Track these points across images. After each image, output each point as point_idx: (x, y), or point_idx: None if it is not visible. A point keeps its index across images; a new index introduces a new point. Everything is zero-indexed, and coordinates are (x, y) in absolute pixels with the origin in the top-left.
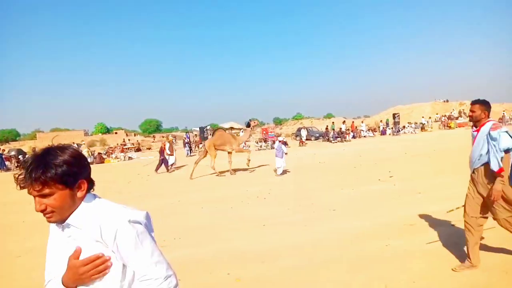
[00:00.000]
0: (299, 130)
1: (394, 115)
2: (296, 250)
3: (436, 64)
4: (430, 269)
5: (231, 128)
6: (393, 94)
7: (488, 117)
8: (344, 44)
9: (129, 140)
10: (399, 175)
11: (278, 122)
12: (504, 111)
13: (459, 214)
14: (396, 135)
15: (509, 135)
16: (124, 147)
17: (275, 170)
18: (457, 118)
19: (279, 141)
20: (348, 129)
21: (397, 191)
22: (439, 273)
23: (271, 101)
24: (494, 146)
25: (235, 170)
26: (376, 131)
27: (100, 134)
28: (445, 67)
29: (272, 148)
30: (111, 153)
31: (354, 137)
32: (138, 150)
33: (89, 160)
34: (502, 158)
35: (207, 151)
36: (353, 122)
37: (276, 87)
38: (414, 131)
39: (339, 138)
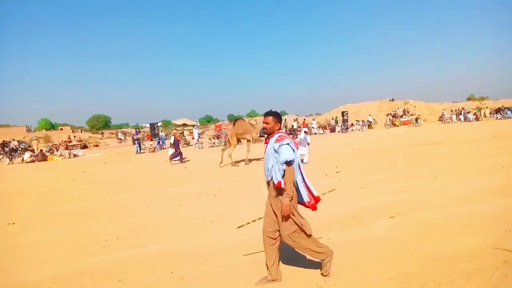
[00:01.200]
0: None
1: (343, 113)
2: (241, 246)
3: (383, 64)
4: (369, 260)
5: (184, 124)
6: (343, 93)
7: (280, 129)
8: (296, 43)
9: (74, 136)
10: (345, 170)
11: (233, 119)
12: (444, 110)
13: (401, 205)
14: (345, 132)
15: (291, 147)
16: (69, 144)
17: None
18: (401, 117)
19: (304, 132)
20: (300, 126)
21: (342, 185)
22: (376, 264)
23: (226, 98)
24: (276, 158)
25: (236, 163)
26: (326, 129)
27: (44, 130)
28: (391, 68)
29: (226, 145)
30: (55, 150)
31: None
32: (85, 147)
33: (28, 156)
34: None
35: (230, 140)
36: (304, 119)
37: (231, 84)
38: (361, 128)
39: (291, 135)
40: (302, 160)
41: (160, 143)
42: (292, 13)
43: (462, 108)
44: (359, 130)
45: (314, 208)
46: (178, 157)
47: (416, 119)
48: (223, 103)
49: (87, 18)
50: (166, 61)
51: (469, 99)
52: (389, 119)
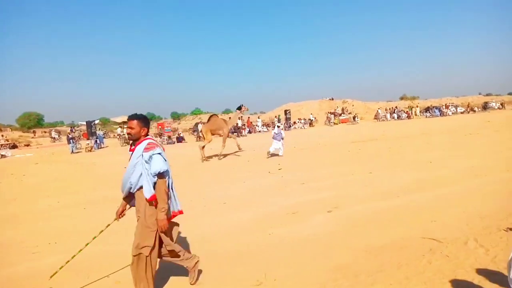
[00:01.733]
0: (196, 125)
1: (285, 111)
2: (182, 246)
3: (323, 65)
4: (308, 253)
5: (124, 122)
6: (286, 92)
7: (147, 135)
8: (242, 43)
9: (2, 136)
10: (287, 167)
11: (176, 117)
12: (379, 108)
13: (338, 200)
14: (287, 130)
15: (163, 157)
16: None
17: (268, 153)
18: (340, 115)
19: (278, 127)
20: (244, 124)
21: (283, 182)
22: (314, 257)
23: (169, 96)
24: (147, 169)
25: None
26: (270, 127)
27: None
28: (331, 68)
29: (169, 143)
30: None
31: (250, 132)
32: (14, 147)
33: None
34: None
35: (204, 136)
36: (249, 117)
37: (175, 81)
38: (303, 126)
39: (235, 133)
40: (278, 154)
41: (98, 142)
42: (237, 11)
43: (396, 107)
44: (301, 128)
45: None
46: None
47: (354, 118)
48: (166, 100)
49: (11, 7)
50: (104, 55)
51: (402, 98)
52: (328, 117)
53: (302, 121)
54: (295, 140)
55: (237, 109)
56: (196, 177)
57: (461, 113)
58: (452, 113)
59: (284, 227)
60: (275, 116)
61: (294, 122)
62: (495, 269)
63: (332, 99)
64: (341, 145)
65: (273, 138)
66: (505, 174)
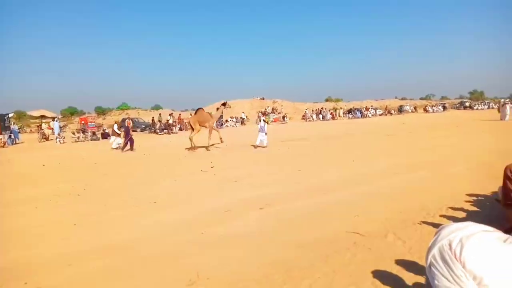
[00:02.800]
0: (123, 121)
1: (218, 109)
2: (109, 249)
3: (255, 64)
4: (241, 250)
5: (42, 116)
6: (219, 89)
7: None
8: (173, 37)
9: None
10: (220, 165)
11: (101, 111)
12: (306, 109)
13: (270, 197)
14: (220, 128)
15: None
16: None
17: (254, 146)
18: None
19: (264, 120)
20: (175, 121)
21: (216, 180)
22: (247, 254)
23: (93, 90)
24: None
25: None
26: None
27: None
28: (262, 68)
29: (93, 139)
30: None
31: (181, 129)
32: None
33: None
34: None
35: (193, 127)
36: (180, 114)
37: (100, 75)
38: (235, 124)
39: (166, 130)
40: (263, 146)
41: (12, 137)
42: (160, 6)
43: (322, 108)
44: (233, 126)
45: None
46: (129, 145)
47: (283, 117)
48: (91, 94)
49: None
50: (22, 44)
51: (327, 100)
52: (259, 116)
53: (234, 119)
54: (227, 138)
55: (221, 105)
56: (125, 176)
57: (380, 115)
58: (372, 115)
59: (217, 226)
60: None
61: (226, 120)
62: (411, 259)
63: (263, 98)
64: (271, 144)
65: (259, 130)
66: (419, 172)
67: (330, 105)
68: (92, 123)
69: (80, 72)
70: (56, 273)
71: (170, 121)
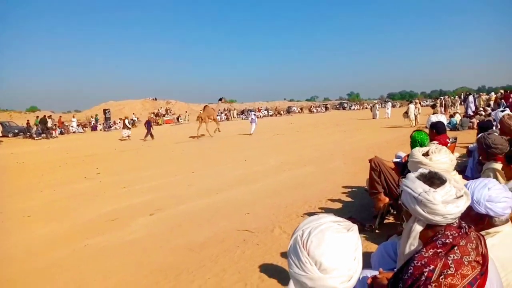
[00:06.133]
0: None
1: (104, 110)
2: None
3: (146, 63)
4: (129, 260)
5: None
6: (105, 89)
7: None
8: (48, 33)
9: None
10: (106, 171)
11: None
12: (200, 110)
13: (161, 202)
14: (107, 130)
15: None
16: None
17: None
18: (164, 115)
19: (254, 114)
20: (56, 124)
21: (102, 187)
22: (134, 263)
23: None
24: None
25: None
26: (87, 127)
27: None
28: (154, 67)
29: None
30: None
31: (62, 133)
32: None
33: None
34: None
35: (203, 120)
36: (60, 117)
37: None
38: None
39: (44, 135)
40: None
41: None
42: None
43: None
44: (122, 128)
45: None
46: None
47: (178, 118)
48: None
49: None
50: None
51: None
52: (152, 118)
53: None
54: (116, 142)
55: (218, 100)
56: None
57: (270, 115)
58: (263, 116)
59: (102, 236)
60: (91, 116)
61: (115, 122)
62: None
63: (156, 99)
64: (165, 145)
65: (251, 122)
66: (305, 168)
67: (225, 105)
68: None
69: None
70: None
71: (49, 125)
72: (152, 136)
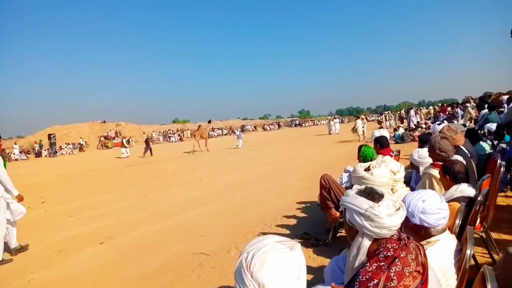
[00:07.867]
0: None
1: (49, 135)
2: None
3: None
4: None
5: None
6: (50, 113)
7: None
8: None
9: None
10: (52, 200)
11: None
12: (153, 131)
13: (112, 229)
14: (53, 156)
15: None
16: None
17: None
18: (113, 138)
19: (240, 131)
20: None
21: (47, 217)
22: None
23: None
24: None
25: None
26: (30, 153)
27: None
28: (102, 90)
29: None
30: None
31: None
32: None
33: None
34: None
35: (198, 138)
36: (1, 144)
37: None
38: (72, 151)
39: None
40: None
41: None
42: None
43: (169, 130)
44: (69, 153)
45: None
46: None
47: (128, 141)
48: None
49: None
50: None
51: (174, 121)
52: (102, 141)
53: (71, 145)
54: (62, 168)
55: (208, 122)
56: None
57: (225, 135)
58: (218, 135)
59: (47, 269)
60: (35, 142)
61: (61, 147)
62: None
63: (105, 121)
64: (115, 169)
65: (237, 138)
66: (260, 185)
67: (178, 126)
68: None
69: None
70: None
71: None
72: (151, 152)
